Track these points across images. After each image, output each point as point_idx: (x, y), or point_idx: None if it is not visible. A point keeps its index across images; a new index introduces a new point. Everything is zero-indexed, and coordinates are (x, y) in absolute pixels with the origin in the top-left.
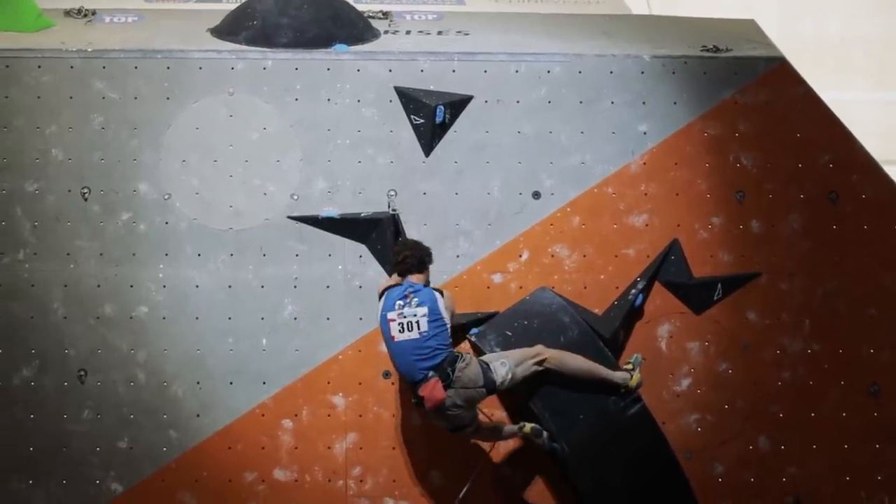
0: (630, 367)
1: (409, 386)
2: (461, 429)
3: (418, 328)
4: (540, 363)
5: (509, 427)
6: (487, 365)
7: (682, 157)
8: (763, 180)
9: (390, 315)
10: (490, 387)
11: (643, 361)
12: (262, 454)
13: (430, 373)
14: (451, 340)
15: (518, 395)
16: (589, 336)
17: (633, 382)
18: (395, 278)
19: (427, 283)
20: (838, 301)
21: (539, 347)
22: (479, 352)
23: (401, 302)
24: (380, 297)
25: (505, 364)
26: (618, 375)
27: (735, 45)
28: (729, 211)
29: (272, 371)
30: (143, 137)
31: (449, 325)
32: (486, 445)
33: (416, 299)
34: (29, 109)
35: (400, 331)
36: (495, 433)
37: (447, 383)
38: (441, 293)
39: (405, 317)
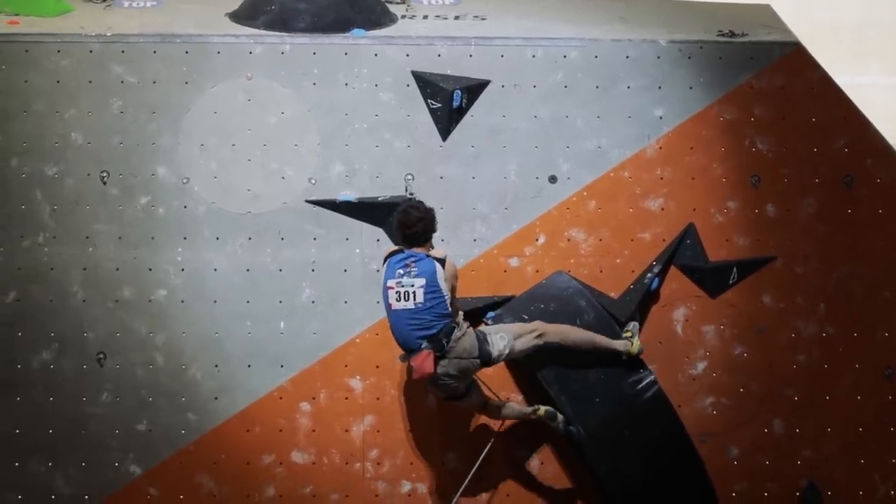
0: (629, 334)
1: (406, 354)
2: (457, 398)
3: (414, 298)
4: (539, 336)
5: (519, 407)
6: (485, 336)
7: (698, 142)
8: (778, 164)
9: (389, 283)
10: (485, 358)
11: (640, 328)
12: (279, 437)
13: (424, 343)
14: (450, 311)
15: (534, 379)
16: (605, 320)
17: (634, 349)
18: (399, 242)
19: (430, 250)
20: (853, 285)
21: (537, 322)
22: None
23: (401, 270)
24: (384, 262)
25: (504, 337)
26: (619, 343)
27: (751, 30)
28: (744, 195)
29: (290, 354)
30: (162, 121)
31: (448, 297)
32: (494, 424)
33: (415, 269)
34: (48, 94)
35: (397, 299)
36: (502, 410)
37: (441, 353)
38: (442, 263)
39: (403, 286)
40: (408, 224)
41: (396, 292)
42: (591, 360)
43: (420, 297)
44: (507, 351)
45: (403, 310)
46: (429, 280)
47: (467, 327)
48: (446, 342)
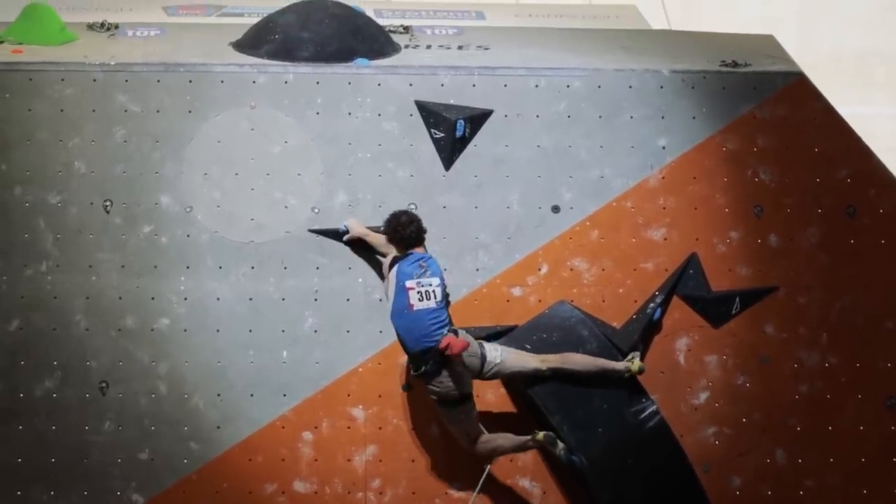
0: (630, 358)
1: (412, 361)
2: (452, 405)
3: (435, 297)
4: (542, 362)
5: (514, 437)
6: (480, 343)
7: (701, 172)
8: (781, 194)
9: (409, 283)
10: (482, 357)
11: (642, 358)
12: (282, 466)
13: (445, 330)
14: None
15: (535, 408)
16: (608, 349)
17: (635, 367)
18: (398, 249)
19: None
20: (855, 315)
21: (540, 356)
22: None
23: (418, 271)
24: (389, 269)
25: (497, 349)
26: (620, 364)
27: (754, 59)
28: (747, 225)
29: (292, 383)
30: (165, 150)
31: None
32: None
33: (429, 270)
34: (52, 122)
35: (420, 299)
36: (496, 442)
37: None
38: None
39: (423, 286)
40: (402, 226)
41: (418, 292)
42: (594, 389)
43: (439, 296)
44: (498, 360)
45: (425, 309)
46: (441, 279)
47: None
48: (456, 334)
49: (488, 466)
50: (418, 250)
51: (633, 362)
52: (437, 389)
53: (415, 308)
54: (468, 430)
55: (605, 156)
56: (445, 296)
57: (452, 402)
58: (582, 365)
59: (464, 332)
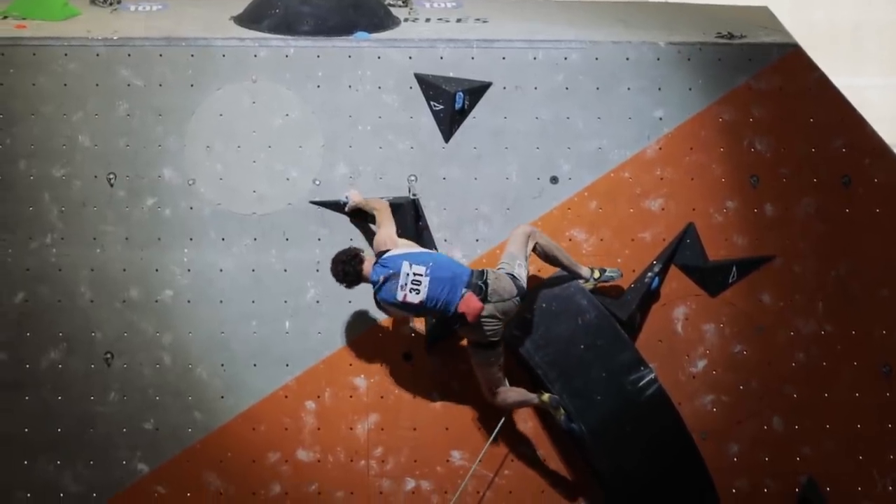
0: (597, 275)
1: (441, 326)
2: (491, 347)
3: (420, 285)
4: (534, 248)
5: (525, 392)
6: (512, 274)
7: (698, 142)
8: (777, 165)
9: (399, 298)
10: (522, 293)
11: (613, 279)
12: (285, 435)
13: (463, 290)
14: (438, 251)
15: (536, 376)
16: (606, 319)
17: (587, 286)
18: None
19: (369, 263)
20: (851, 283)
21: (527, 228)
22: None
23: (393, 286)
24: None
25: (521, 265)
26: (583, 271)
27: (749, 31)
28: (743, 195)
29: (295, 353)
30: (168, 124)
31: (409, 251)
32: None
33: (390, 272)
34: (56, 97)
35: (416, 293)
36: (510, 394)
37: (482, 297)
38: (383, 253)
39: (408, 286)
40: (339, 274)
41: (411, 290)
42: (593, 358)
43: (425, 284)
44: (527, 273)
45: (427, 292)
46: (401, 268)
47: (496, 271)
48: (484, 285)
49: (503, 418)
50: (366, 269)
51: (590, 282)
52: (477, 335)
53: (420, 300)
54: (493, 375)
55: (603, 127)
56: (425, 261)
57: (486, 345)
58: (556, 255)
59: (496, 271)
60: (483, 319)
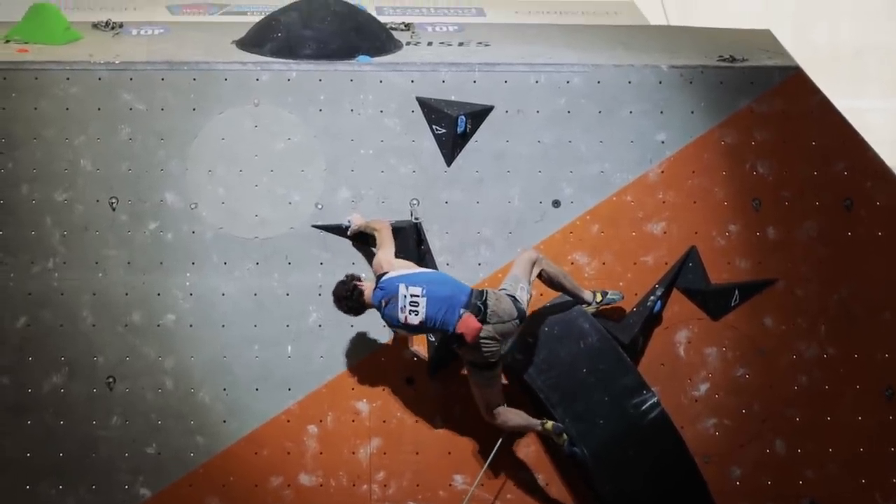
0: (600, 298)
1: (441, 345)
2: (489, 368)
3: (418, 306)
4: (539, 274)
5: (528, 417)
6: (513, 296)
7: (700, 166)
8: (779, 188)
9: (402, 318)
10: (522, 316)
11: (615, 301)
12: (287, 459)
13: (461, 311)
14: (439, 271)
15: (538, 400)
16: (608, 342)
17: (589, 310)
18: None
19: (369, 284)
20: (853, 306)
21: (534, 254)
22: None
23: (394, 308)
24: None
25: (524, 289)
26: (586, 295)
27: (751, 54)
28: (746, 218)
29: (297, 377)
30: (170, 148)
31: (406, 272)
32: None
33: (389, 296)
34: (58, 121)
35: (416, 314)
36: (511, 416)
37: (481, 318)
38: (382, 276)
39: (407, 307)
40: (343, 307)
41: (410, 311)
42: (595, 381)
43: (423, 305)
44: (529, 296)
45: (426, 312)
46: (398, 290)
47: (498, 292)
48: (483, 306)
49: (501, 439)
50: (367, 289)
51: (593, 306)
52: (475, 356)
53: (421, 320)
54: (492, 395)
55: (605, 151)
56: (421, 282)
57: (483, 366)
58: (559, 278)
59: (498, 292)
60: (482, 341)
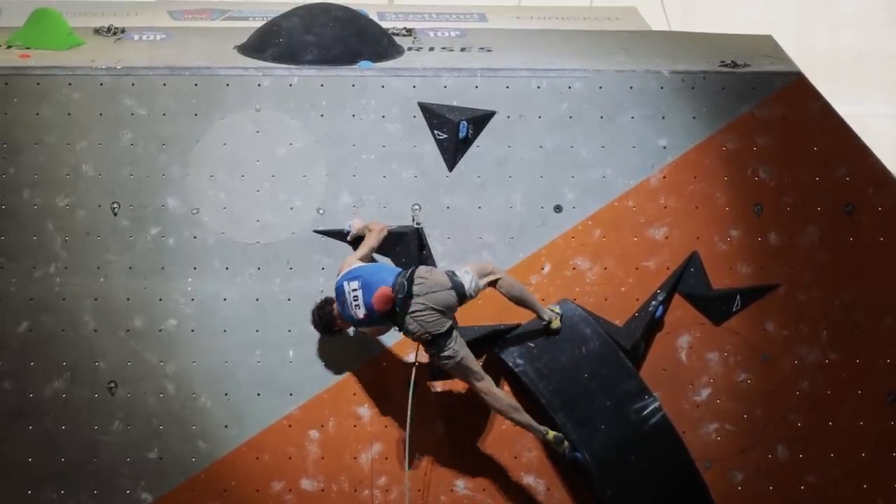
0: (557, 311)
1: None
2: (440, 345)
3: (358, 299)
4: (493, 283)
5: (531, 420)
6: (452, 272)
7: (701, 171)
8: (781, 193)
9: (355, 315)
10: (459, 290)
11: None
12: (289, 464)
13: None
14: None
15: (539, 405)
16: (610, 347)
17: (554, 325)
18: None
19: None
20: (855, 311)
21: (491, 266)
22: (504, 365)
23: (347, 307)
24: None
25: (468, 273)
26: (546, 312)
27: (753, 60)
28: (747, 223)
29: (299, 382)
30: (172, 153)
31: (349, 269)
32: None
33: (340, 297)
34: (60, 126)
35: (359, 307)
36: (516, 413)
37: (407, 293)
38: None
39: (352, 302)
40: (320, 324)
41: (355, 307)
42: (597, 387)
43: (360, 295)
44: (473, 285)
45: (365, 303)
46: (343, 287)
47: (431, 268)
48: (408, 283)
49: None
50: (335, 309)
51: (554, 320)
52: (423, 336)
53: (361, 314)
54: (474, 378)
55: (607, 156)
56: (357, 275)
57: (439, 341)
58: (518, 297)
59: (431, 268)
60: (416, 314)
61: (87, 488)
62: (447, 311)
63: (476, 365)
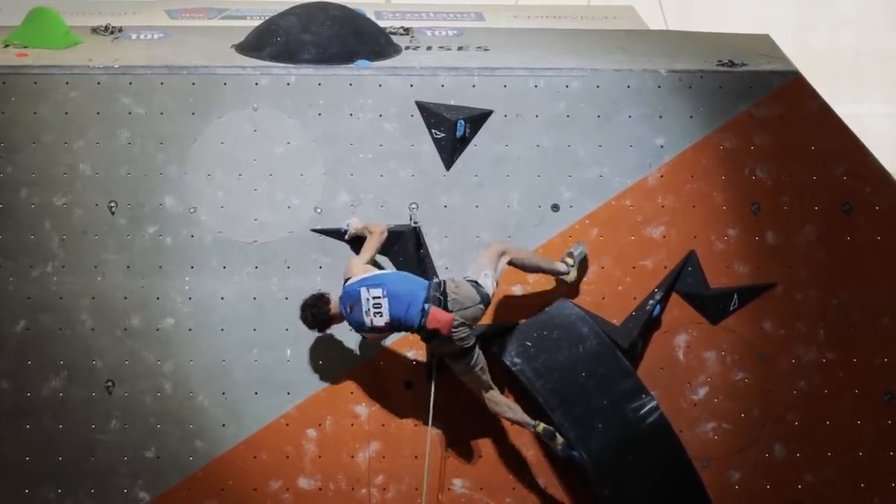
0: (571, 262)
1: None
2: (466, 355)
3: (381, 307)
4: (505, 255)
5: (523, 414)
6: (475, 281)
7: (699, 170)
8: (778, 192)
9: (367, 322)
10: (486, 301)
11: (585, 255)
12: (286, 463)
13: (426, 305)
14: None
15: (536, 404)
16: (607, 346)
17: (570, 278)
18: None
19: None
20: (852, 310)
21: (500, 246)
22: (502, 364)
23: (359, 310)
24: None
25: (488, 276)
26: (561, 267)
27: (750, 59)
28: (744, 222)
29: (296, 381)
30: (169, 152)
31: (365, 275)
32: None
33: (352, 301)
34: (57, 125)
35: (380, 315)
36: (508, 409)
37: (443, 308)
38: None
39: (371, 310)
40: (309, 319)
41: (375, 313)
42: (594, 386)
43: (385, 306)
44: (495, 285)
45: (390, 314)
46: (355, 293)
47: (458, 279)
48: (443, 297)
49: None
50: (335, 305)
51: (571, 272)
52: (450, 349)
53: (384, 321)
54: (480, 382)
55: (604, 155)
56: (379, 283)
57: (459, 354)
58: (532, 265)
59: (458, 279)
60: (452, 330)
61: (84, 487)
62: (474, 323)
63: (487, 374)
